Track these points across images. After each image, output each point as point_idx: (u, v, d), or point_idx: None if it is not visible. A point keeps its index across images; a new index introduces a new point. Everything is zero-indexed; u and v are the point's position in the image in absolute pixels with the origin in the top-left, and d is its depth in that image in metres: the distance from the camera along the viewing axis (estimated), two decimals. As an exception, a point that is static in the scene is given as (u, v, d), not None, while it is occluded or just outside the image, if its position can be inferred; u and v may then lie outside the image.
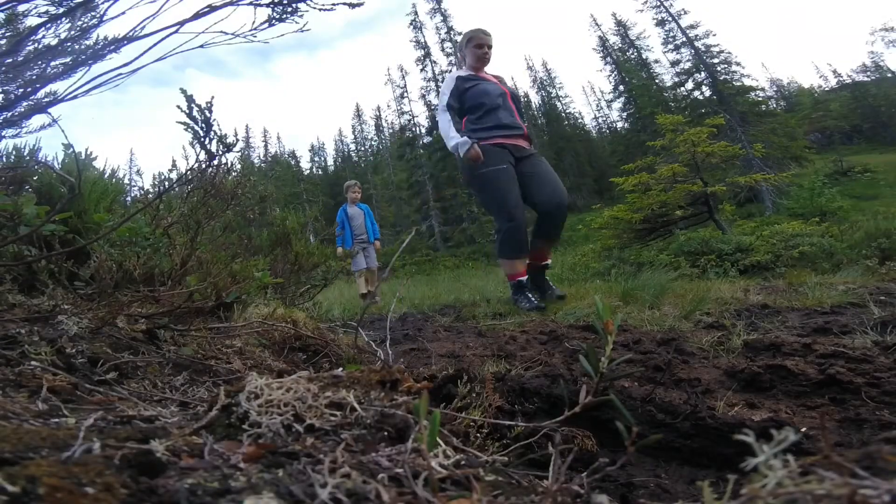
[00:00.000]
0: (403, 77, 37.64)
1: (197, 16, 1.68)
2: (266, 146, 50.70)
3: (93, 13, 1.85)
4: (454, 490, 0.44)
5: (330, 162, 52.34)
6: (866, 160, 25.08)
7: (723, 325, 2.26)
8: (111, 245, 1.38)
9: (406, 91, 37.12)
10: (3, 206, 1.17)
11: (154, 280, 1.34)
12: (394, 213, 37.63)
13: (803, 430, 0.83)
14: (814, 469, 0.31)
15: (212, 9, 1.70)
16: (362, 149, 49.29)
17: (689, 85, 27.95)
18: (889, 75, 39.29)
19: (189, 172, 1.36)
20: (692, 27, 28.34)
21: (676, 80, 28.95)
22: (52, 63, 1.91)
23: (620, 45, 35.91)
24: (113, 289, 1.23)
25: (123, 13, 1.80)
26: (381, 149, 46.82)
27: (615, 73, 35.66)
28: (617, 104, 37.19)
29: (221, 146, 1.21)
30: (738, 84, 25.31)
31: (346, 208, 6.80)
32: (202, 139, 1.17)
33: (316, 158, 52.02)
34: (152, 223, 1.57)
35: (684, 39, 28.44)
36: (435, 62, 33.05)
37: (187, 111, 1.13)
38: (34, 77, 1.89)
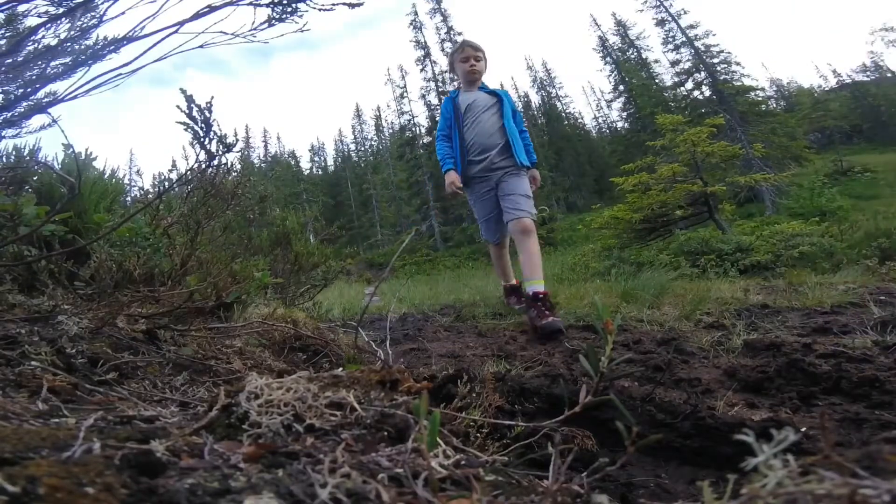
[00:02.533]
0: (403, 77, 37.65)
1: (197, 16, 1.68)
2: (266, 146, 50.71)
3: (92, 13, 1.85)
4: (454, 490, 0.44)
5: (330, 162, 52.37)
6: (866, 160, 25.08)
7: (723, 325, 2.26)
8: (111, 245, 1.38)
9: (406, 91, 37.13)
10: (3, 206, 1.17)
11: (154, 280, 1.34)
12: (394, 213, 37.62)
13: (803, 429, 0.83)
14: (814, 469, 0.31)
15: (211, 9, 1.70)
16: (362, 149, 49.29)
17: (689, 85, 27.97)
18: (889, 75, 39.28)
19: (189, 172, 1.36)
20: (692, 27, 28.35)
21: (676, 79, 28.97)
22: (52, 63, 1.91)
23: (620, 45, 35.91)
24: (113, 289, 1.23)
25: (123, 13, 1.80)
26: (381, 149, 46.81)
27: (615, 73, 35.66)
28: (617, 104, 37.20)
29: (221, 146, 1.21)
30: (738, 84, 25.31)
31: (454, 98, 3.13)
32: (202, 139, 1.17)
33: (316, 158, 52.06)
34: (152, 223, 1.57)
35: (684, 39, 28.44)
36: (435, 62, 33.07)
37: (187, 111, 1.13)
38: (34, 77, 1.89)
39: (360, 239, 36.03)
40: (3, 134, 1.88)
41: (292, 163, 47.50)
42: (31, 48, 1.86)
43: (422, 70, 33.20)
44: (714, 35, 27.80)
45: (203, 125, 1.15)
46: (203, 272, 1.38)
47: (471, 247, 25.11)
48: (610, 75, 36.36)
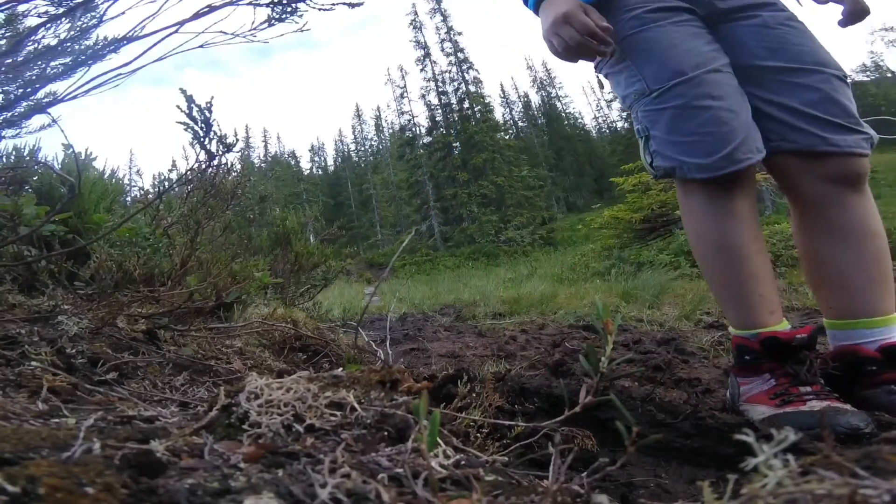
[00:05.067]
0: (403, 77, 37.65)
1: (197, 16, 1.68)
2: (266, 146, 50.72)
3: (92, 13, 1.85)
4: (454, 490, 0.44)
5: (330, 162, 52.39)
6: (866, 160, 25.05)
7: (723, 325, 2.26)
8: (111, 245, 1.38)
9: (406, 91, 37.12)
10: (3, 206, 1.17)
11: (154, 280, 1.34)
12: (394, 213, 37.61)
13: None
14: (814, 469, 0.31)
15: (211, 9, 1.70)
16: (362, 149, 49.30)
17: (689, 85, 27.93)
18: (889, 75, 39.29)
19: (189, 173, 1.36)
20: (692, 27, 28.32)
21: (676, 79, 28.93)
22: (52, 63, 1.91)
23: (620, 45, 35.86)
24: (113, 289, 1.23)
25: (123, 13, 1.81)
26: (381, 149, 46.83)
27: (615, 72, 35.56)
28: (617, 104, 37.16)
29: (221, 146, 1.21)
30: (738, 84, 25.28)
31: None
32: (202, 139, 1.17)
33: (316, 158, 52.06)
34: (152, 223, 1.57)
35: (684, 39, 28.41)
36: (435, 62, 33.07)
37: (187, 111, 1.13)
38: (34, 77, 1.89)
39: (360, 239, 36.03)
40: (3, 134, 1.88)
41: (292, 163, 47.55)
42: (31, 48, 1.86)
43: (422, 70, 33.20)
44: (714, 35, 27.79)
45: (203, 125, 1.15)
46: (203, 272, 1.38)
47: (471, 247, 25.11)
48: (610, 75, 36.27)
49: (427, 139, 32.29)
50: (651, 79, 1.08)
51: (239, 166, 1.96)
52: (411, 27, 33.44)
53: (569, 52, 1.08)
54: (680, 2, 1.11)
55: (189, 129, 1.16)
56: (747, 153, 1.02)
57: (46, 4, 1.77)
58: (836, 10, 1.17)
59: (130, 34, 1.78)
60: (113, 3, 1.82)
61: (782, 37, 1.08)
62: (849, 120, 1.04)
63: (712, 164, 1.02)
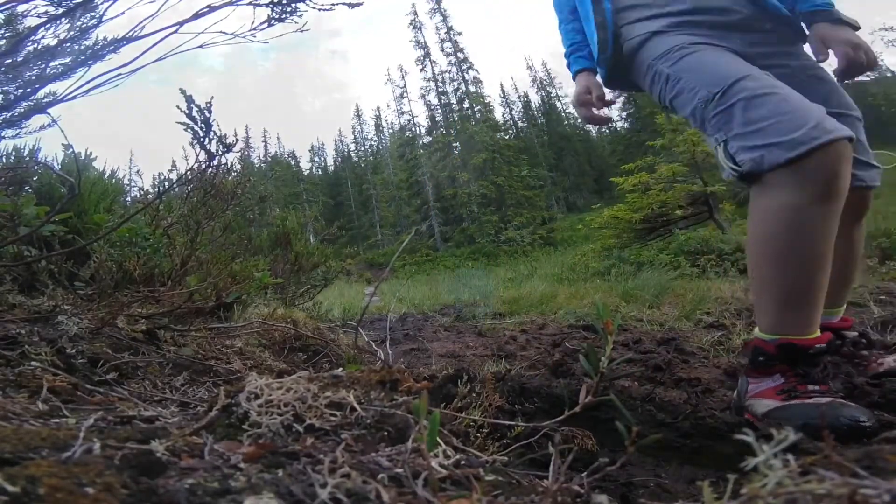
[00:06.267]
0: (403, 77, 37.66)
1: (196, 16, 1.69)
2: (266, 146, 50.67)
3: (92, 13, 1.85)
4: (454, 490, 0.44)
5: (330, 162, 52.37)
6: (866, 160, 25.01)
7: (723, 325, 2.27)
8: (111, 245, 1.38)
9: (406, 91, 37.13)
10: (3, 206, 1.17)
11: (154, 280, 1.34)
12: (394, 213, 37.60)
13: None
14: (814, 469, 0.31)
15: (211, 9, 1.70)
16: (362, 149, 49.28)
17: (689, 85, 27.92)
18: (889, 75, 39.29)
19: (189, 173, 1.36)
20: (692, 27, 28.29)
21: (676, 79, 28.91)
22: (52, 63, 1.91)
23: (620, 45, 35.87)
24: (113, 289, 1.23)
25: (123, 13, 1.81)
26: (380, 149, 46.83)
27: (615, 72, 35.56)
28: (617, 104, 37.17)
29: (221, 146, 1.21)
30: (738, 84, 25.24)
31: None
32: (202, 139, 1.17)
33: (316, 158, 52.04)
34: (152, 224, 1.57)
35: (684, 39, 28.39)
36: (434, 62, 33.08)
37: (187, 111, 1.13)
38: (34, 77, 1.89)
39: (360, 239, 36.02)
40: (3, 134, 1.88)
41: (292, 163, 47.50)
42: (30, 48, 1.86)
43: (422, 70, 33.22)
44: (714, 35, 27.76)
45: (203, 125, 1.15)
46: (203, 272, 1.38)
47: (471, 247, 25.11)
48: (610, 75, 36.25)
49: (427, 139, 32.29)
50: (710, 84, 1.12)
51: (239, 166, 1.96)
52: (411, 27, 33.46)
53: (586, 121, 1.50)
54: (716, 42, 1.21)
55: (189, 130, 1.16)
56: (836, 126, 0.96)
57: (46, 4, 1.77)
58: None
59: (130, 34, 1.78)
60: (113, 3, 1.82)
61: (808, 86, 1.16)
62: (869, 158, 1.20)
63: (804, 136, 0.95)
